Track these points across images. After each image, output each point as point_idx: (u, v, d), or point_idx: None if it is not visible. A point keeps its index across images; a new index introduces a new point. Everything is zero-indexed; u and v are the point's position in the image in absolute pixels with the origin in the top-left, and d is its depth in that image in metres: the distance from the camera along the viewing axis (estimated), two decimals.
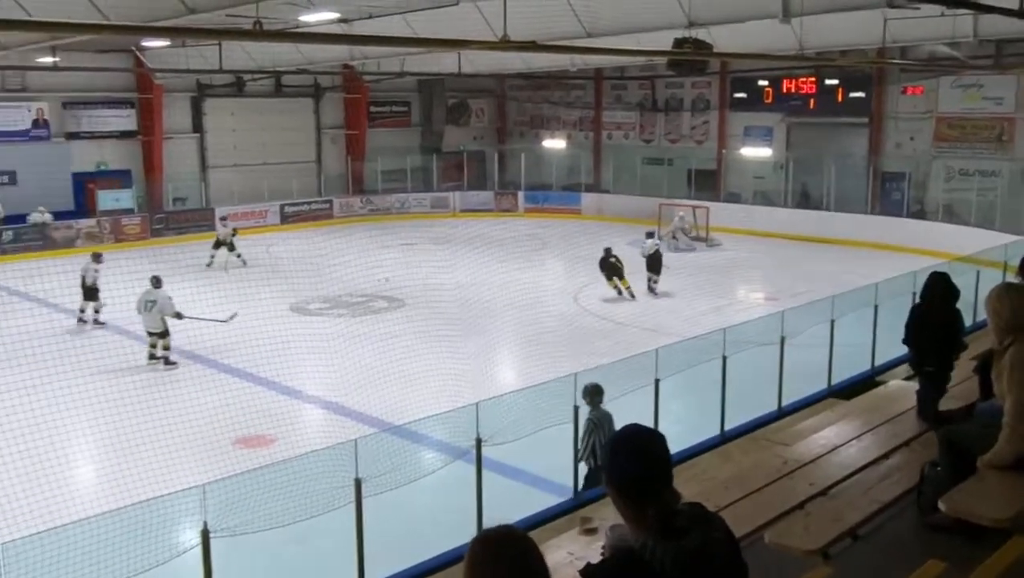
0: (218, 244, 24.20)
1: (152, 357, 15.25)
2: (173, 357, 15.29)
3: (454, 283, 17.81)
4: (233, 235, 24.41)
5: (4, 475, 9.07)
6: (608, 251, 20.17)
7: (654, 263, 20.67)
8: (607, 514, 6.05)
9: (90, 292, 17.71)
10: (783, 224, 28.06)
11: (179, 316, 15.20)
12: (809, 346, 12.21)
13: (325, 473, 7.27)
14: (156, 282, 15.51)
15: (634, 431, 2.74)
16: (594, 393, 9.08)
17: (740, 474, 6.88)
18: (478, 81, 35.06)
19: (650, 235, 21.59)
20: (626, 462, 2.66)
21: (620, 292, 19.84)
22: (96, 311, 17.86)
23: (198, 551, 6.47)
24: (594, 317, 17.54)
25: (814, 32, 20.04)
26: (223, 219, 25.52)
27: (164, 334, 15.22)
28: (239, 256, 24.04)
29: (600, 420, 9.06)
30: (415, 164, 35.38)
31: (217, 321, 15.17)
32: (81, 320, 17.80)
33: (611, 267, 19.94)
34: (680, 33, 15.74)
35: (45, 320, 16.94)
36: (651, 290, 20.53)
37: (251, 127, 31.88)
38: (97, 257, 18.06)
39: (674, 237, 26.53)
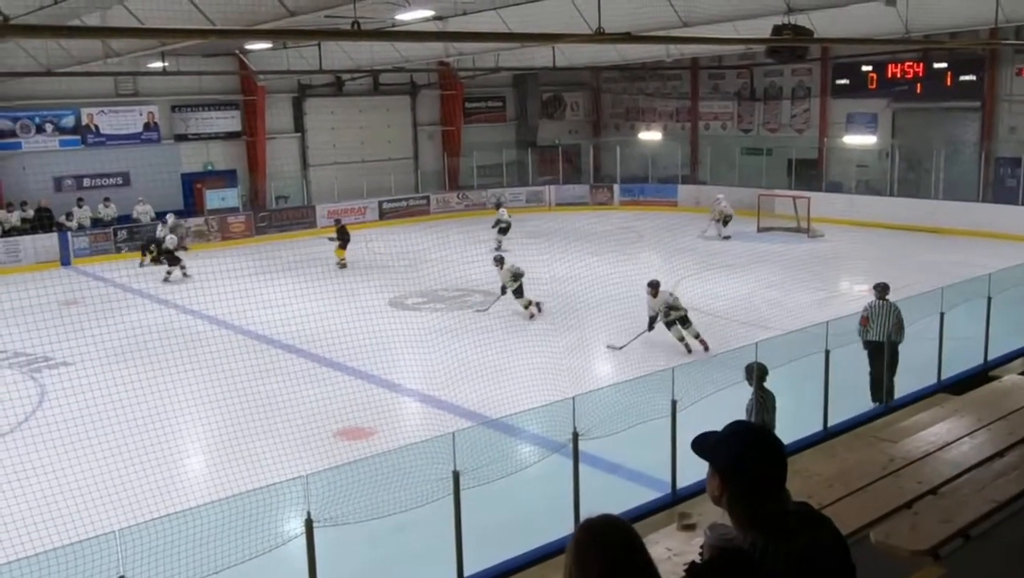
0: (164, 251, 22.71)
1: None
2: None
3: (549, 277, 17.81)
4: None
5: (121, 464, 9.45)
6: None
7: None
8: (706, 510, 5.98)
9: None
10: (889, 214, 27.14)
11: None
12: (918, 340, 11.81)
13: (424, 465, 7.37)
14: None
15: (761, 430, 2.74)
16: (759, 373, 9.01)
17: (844, 471, 6.71)
18: (572, 74, 34.96)
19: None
20: (755, 462, 2.63)
21: None
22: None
23: (302, 540, 6.64)
24: (692, 311, 17.28)
25: (921, 14, 19.23)
26: (163, 220, 24.61)
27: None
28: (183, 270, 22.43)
29: (766, 399, 9.01)
30: (510, 159, 35.51)
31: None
32: None
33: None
34: (779, 19, 15.40)
35: (157, 316, 17.68)
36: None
37: (350, 126, 32.54)
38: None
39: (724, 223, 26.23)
